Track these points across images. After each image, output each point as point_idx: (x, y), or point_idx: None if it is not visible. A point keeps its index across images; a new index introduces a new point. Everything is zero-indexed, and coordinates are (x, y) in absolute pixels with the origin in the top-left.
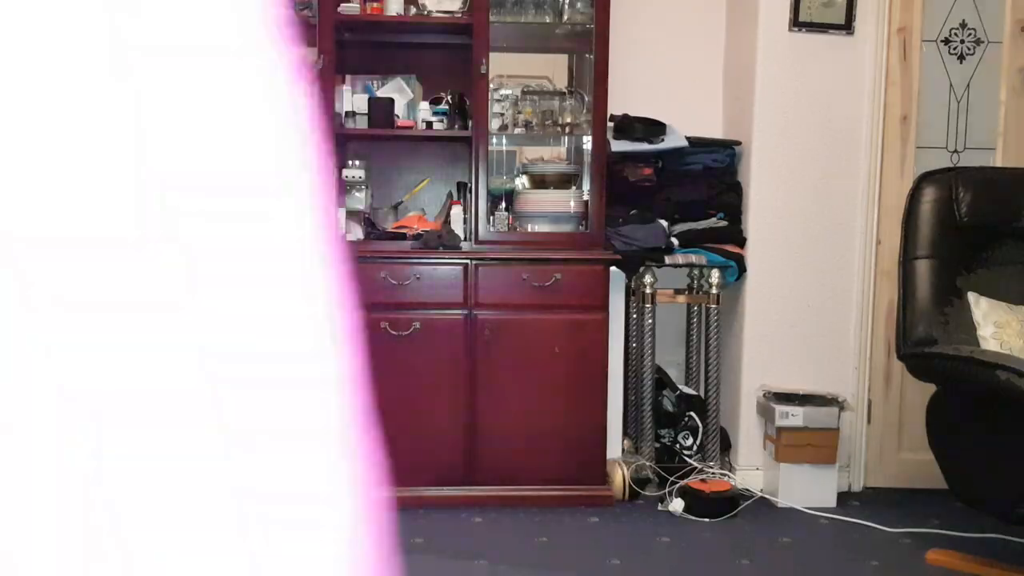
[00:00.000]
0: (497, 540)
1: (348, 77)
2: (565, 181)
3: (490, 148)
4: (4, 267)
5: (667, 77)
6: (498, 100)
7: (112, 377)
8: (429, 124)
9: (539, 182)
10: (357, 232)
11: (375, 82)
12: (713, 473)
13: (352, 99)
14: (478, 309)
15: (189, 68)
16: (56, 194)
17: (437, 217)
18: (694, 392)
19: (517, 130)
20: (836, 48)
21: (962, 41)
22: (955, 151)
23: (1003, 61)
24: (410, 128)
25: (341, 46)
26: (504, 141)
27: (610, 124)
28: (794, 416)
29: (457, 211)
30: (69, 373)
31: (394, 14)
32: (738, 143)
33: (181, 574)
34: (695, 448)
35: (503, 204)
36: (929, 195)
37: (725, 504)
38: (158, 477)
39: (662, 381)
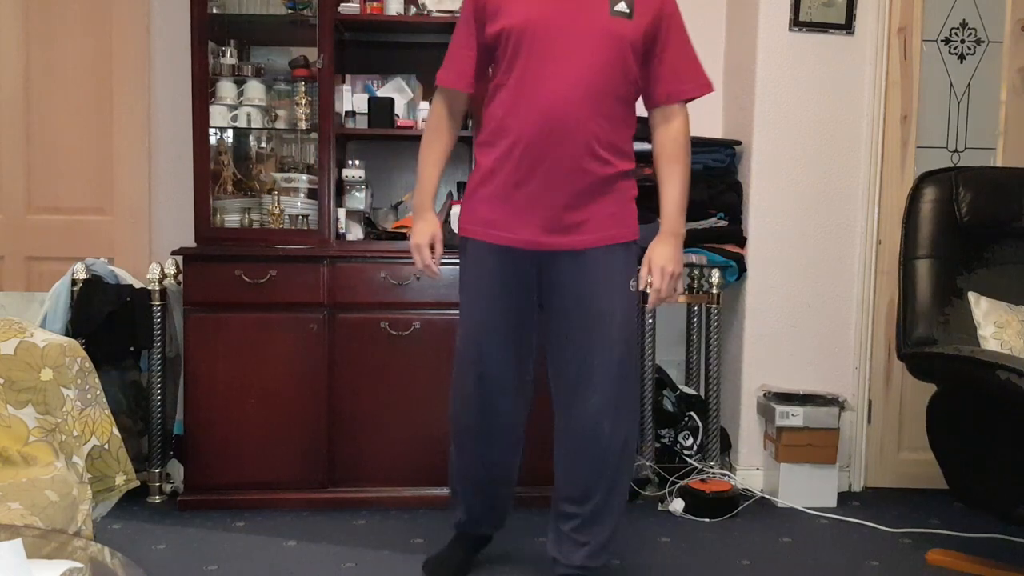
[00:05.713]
0: (497, 540)
1: (348, 77)
2: None
3: None
4: None
5: None
6: None
7: None
8: None
9: None
10: (357, 232)
11: (375, 82)
12: (713, 473)
13: (352, 99)
14: None
15: None
16: None
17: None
18: (694, 392)
19: None
20: (836, 48)
21: (962, 41)
22: (955, 151)
23: (1003, 61)
24: (410, 128)
25: (341, 46)
26: None
27: None
28: (794, 416)
29: (457, 211)
30: None
31: (394, 14)
32: (738, 143)
33: None
34: (695, 448)
35: None
36: (929, 195)
37: (725, 504)
38: None
39: (662, 381)
